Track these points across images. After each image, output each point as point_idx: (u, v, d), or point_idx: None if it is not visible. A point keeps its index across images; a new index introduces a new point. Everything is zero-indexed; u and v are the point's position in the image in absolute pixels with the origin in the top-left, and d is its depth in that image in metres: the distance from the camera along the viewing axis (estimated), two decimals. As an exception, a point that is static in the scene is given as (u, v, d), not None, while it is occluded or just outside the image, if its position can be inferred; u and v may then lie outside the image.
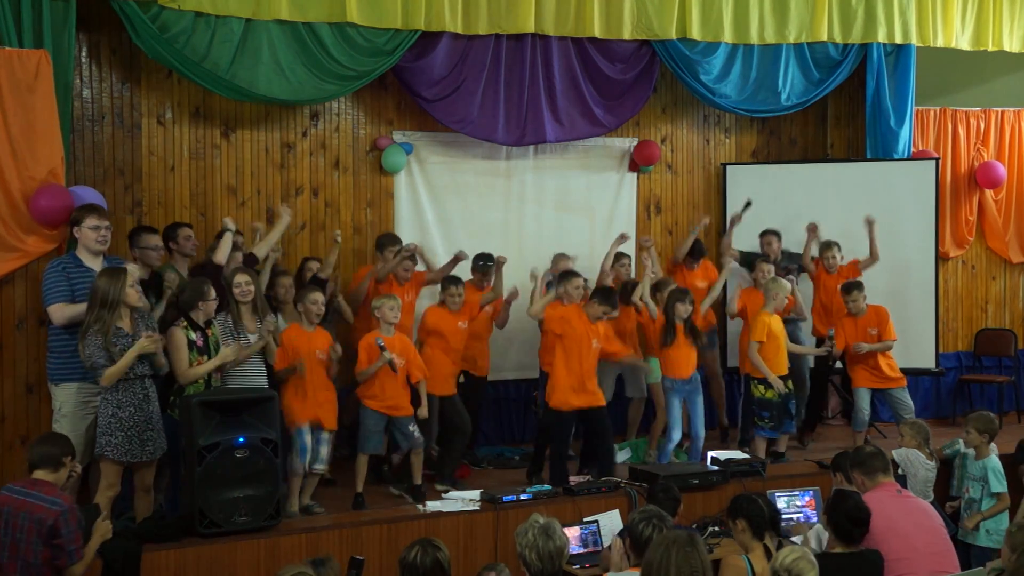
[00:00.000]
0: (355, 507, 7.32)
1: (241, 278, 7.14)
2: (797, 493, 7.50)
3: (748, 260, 9.62)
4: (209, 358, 6.80)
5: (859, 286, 9.16)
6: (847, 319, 9.16)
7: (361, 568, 5.47)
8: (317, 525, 6.66)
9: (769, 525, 5.70)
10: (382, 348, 7.43)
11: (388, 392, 7.54)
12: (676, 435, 8.47)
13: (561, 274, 8.40)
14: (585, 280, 8.49)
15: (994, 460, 7.60)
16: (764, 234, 9.78)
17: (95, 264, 6.76)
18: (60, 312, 6.62)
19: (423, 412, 7.69)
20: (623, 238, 9.32)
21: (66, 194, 7.00)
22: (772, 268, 9.22)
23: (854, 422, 9.19)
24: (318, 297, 7.45)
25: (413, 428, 7.60)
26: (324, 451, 7.31)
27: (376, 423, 7.55)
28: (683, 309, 8.40)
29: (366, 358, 7.52)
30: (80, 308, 6.50)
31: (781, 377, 8.71)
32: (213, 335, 6.89)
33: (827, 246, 9.68)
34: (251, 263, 7.63)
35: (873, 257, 9.67)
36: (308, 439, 7.22)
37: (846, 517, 5.62)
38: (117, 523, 6.33)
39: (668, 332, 8.43)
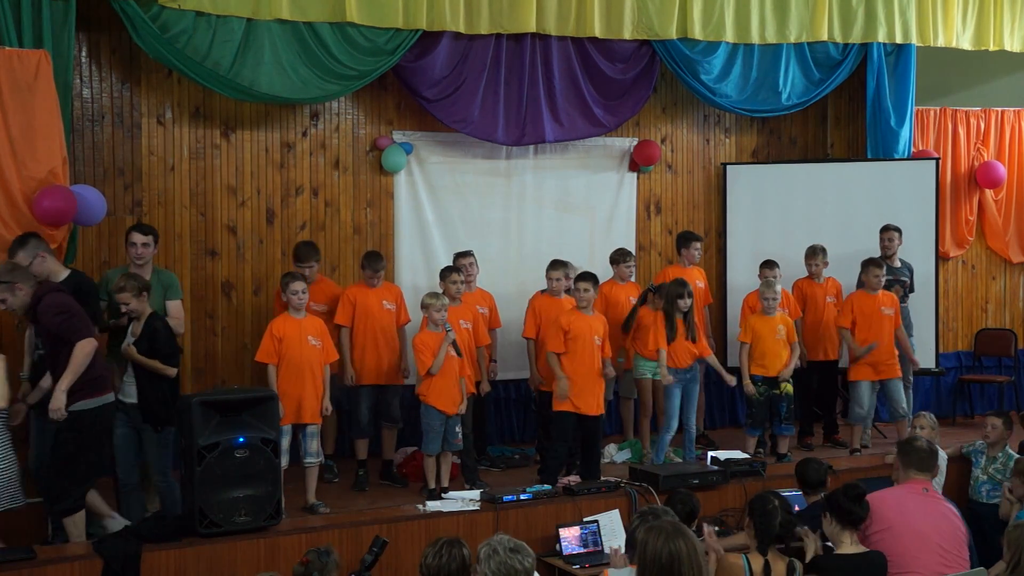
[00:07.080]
0: (429, 499, 7.38)
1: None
2: (798, 493, 7.48)
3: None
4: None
5: (878, 263, 9.02)
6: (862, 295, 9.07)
7: (383, 549, 5.66)
8: (317, 524, 6.65)
9: (775, 540, 5.58)
10: (448, 330, 7.56)
11: (450, 390, 7.64)
12: (673, 424, 8.43)
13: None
14: None
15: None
16: (884, 230, 9.67)
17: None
18: None
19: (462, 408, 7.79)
20: None
21: (69, 195, 6.99)
22: (775, 272, 9.21)
23: (851, 415, 9.06)
24: (298, 287, 7.42)
25: (459, 429, 7.73)
26: (314, 444, 7.36)
27: (440, 423, 7.63)
28: (683, 304, 8.33)
29: (430, 355, 7.57)
30: None
31: (773, 378, 8.71)
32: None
33: (812, 252, 9.46)
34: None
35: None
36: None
37: (845, 497, 5.61)
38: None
39: (669, 327, 8.37)
